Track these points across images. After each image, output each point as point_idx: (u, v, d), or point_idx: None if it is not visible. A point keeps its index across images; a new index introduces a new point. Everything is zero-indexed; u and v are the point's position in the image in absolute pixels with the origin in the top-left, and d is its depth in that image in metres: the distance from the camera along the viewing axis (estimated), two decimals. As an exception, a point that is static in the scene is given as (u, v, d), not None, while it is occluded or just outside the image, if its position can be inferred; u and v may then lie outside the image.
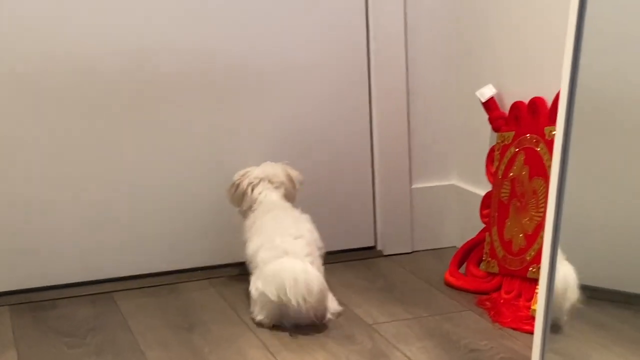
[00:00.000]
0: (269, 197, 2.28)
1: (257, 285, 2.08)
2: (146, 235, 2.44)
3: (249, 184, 2.30)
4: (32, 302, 2.32)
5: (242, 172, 2.33)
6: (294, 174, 2.35)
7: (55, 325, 2.19)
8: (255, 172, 2.32)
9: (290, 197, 2.33)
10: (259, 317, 2.10)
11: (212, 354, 1.99)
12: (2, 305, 2.30)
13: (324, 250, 2.24)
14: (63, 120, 2.34)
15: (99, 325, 2.18)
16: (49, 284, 2.38)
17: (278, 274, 2.02)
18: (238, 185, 2.31)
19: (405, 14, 2.53)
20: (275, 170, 2.32)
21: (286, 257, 2.06)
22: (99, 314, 2.24)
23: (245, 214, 2.31)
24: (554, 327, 1.75)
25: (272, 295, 2.01)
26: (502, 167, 2.29)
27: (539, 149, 2.16)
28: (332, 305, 2.13)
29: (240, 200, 2.31)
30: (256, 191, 2.29)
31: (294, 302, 2.00)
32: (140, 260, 2.44)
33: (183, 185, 2.45)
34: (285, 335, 2.07)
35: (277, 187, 2.31)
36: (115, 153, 2.39)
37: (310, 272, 2.03)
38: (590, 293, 1.75)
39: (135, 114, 2.39)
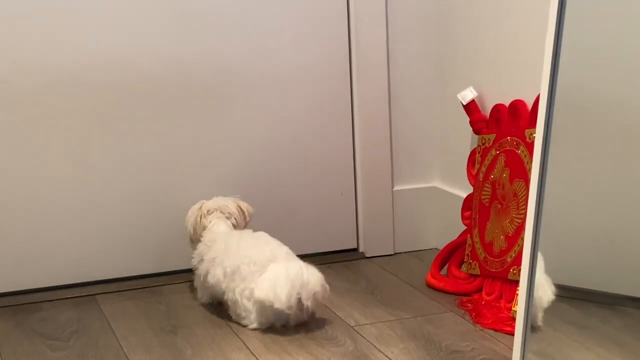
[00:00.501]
0: (217, 226, 2.31)
1: (254, 295, 2.08)
2: (129, 239, 2.44)
3: (202, 214, 2.33)
4: (15, 305, 2.32)
5: (196, 205, 2.35)
6: (245, 205, 2.38)
7: (39, 328, 2.18)
8: (208, 203, 2.35)
9: (239, 228, 2.36)
10: (254, 325, 2.11)
11: (196, 356, 2.00)
12: (-15, 309, 2.31)
13: None
14: (44, 126, 2.33)
15: (82, 328, 2.18)
16: (32, 287, 2.38)
17: (278, 280, 2.05)
18: (200, 216, 2.33)
19: (387, 19, 2.54)
20: (227, 202, 2.36)
21: (272, 263, 2.08)
22: (82, 317, 2.24)
23: (194, 243, 2.33)
24: (534, 328, 1.76)
25: (279, 302, 2.03)
26: (483, 169, 2.30)
27: (519, 152, 2.18)
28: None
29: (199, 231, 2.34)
30: (206, 220, 2.32)
31: (293, 304, 2.03)
32: (123, 263, 2.44)
33: (165, 189, 2.45)
34: (267, 337, 2.07)
35: (227, 218, 2.33)
36: (98, 158, 2.39)
37: (304, 269, 2.06)
38: (571, 293, 1.77)
39: (118, 121, 2.39)
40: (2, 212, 2.33)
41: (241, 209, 2.36)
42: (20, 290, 2.37)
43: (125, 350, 2.04)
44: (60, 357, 2.02)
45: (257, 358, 1.98)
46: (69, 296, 2.37)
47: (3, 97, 2.30)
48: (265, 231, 2.45)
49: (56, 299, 2.35)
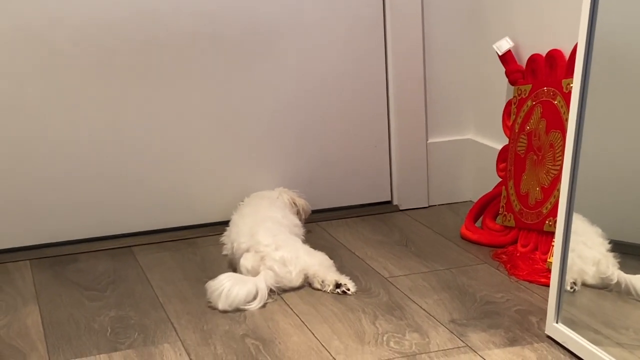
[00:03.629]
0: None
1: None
2: (164, 191, 2.45)
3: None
4: (53, 256, 2.35)
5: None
6: (301, 202, 2.41)
7: (76, 279, 2.21)
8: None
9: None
10: None
11: (231, 306, 2.02)
12: (24, 260, 2.33)
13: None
14: (80, 80, 2.34)
15: (119, 278, 2.20)
16: (68, 239, 2.41)
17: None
18: None
19: (421, -33, 2.51)
20: (283, 194, 2.41)
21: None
22: (119, 268, 2.27)
23: None
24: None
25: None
26: (519, 120, 2.28)
27: (556, 102, 2.16)
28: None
29: None
30: None
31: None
32: (158, 215, 2.46)
33: (199, 141, 2.46)
34: (303, 289, 2.08)
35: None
36: (132, 112, 2.40)
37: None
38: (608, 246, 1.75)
39: (150, 74, 2.39)
40: (39, 165, 2.35)
41: (295, 203, 2.39)
42: (58, 242, 2.40)
43: (161, 300, 2.06)
44: (97, 306, 2.04)
45: (291, 309, 1.99)
46: (105, 248, 2.39)
47: (40, 51, 2.30)
48: (299, 185, 2.47)
49: (93, 251, 2.38)
